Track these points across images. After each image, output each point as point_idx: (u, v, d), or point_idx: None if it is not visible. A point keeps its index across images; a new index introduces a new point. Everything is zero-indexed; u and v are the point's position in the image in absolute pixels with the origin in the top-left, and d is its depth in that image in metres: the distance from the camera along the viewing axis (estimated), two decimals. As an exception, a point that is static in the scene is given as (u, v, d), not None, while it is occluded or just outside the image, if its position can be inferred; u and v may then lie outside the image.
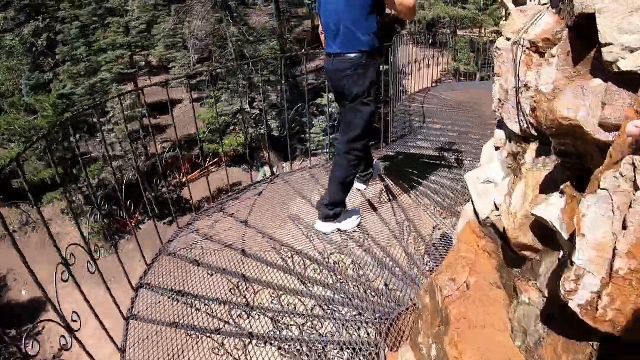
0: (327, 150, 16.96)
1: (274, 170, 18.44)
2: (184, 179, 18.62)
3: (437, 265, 3.38)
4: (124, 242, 18.28)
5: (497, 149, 2.40)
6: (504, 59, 1.98)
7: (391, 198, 4.63)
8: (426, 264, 3.64)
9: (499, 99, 2.12)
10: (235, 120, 17.93)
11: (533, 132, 1.88)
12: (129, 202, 4.36)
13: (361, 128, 3.29)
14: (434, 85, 10.52)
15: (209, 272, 3.83)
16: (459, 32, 21.39)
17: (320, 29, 3.43)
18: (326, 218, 3.67)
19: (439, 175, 5.08)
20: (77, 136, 18.75)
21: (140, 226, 18.42)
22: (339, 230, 3.72)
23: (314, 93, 18.35)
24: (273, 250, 4.00)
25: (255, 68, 16.20)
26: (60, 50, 22.04)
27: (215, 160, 18.61)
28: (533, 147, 1.92)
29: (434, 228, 4.18)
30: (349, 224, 3.76)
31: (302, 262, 3.79)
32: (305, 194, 4.87)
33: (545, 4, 1.93)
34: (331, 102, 16.79)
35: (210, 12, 20.15)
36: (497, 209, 2.19)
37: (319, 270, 3.69)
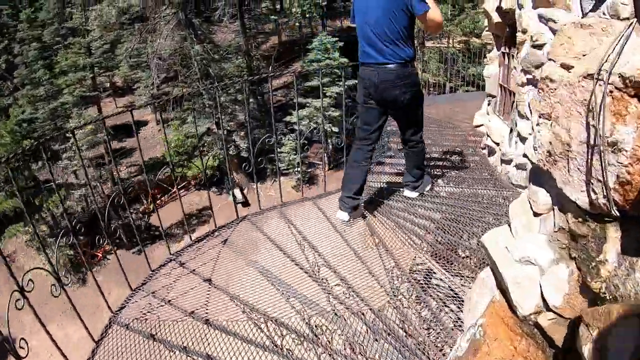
0: (298, 169, 16.24)
1: (245, 192, 17.69)
2: (152, 205, 17.69)
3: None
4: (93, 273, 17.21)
5: (536, 214, 1.72)
6: (563, 96, 1.31)
7: (376, 240, 3.94)
8: (427, 330, 2.95)
9: (549, 152, 1.45)
10: (203, 142, 17.08)
11: (616, 212, 1.20)
12: (102, 232, 4.09)
13: (418, 125, 3.92)
14: None
15: (168, 348, 3.08)
16: (427, 44, 21.06)
17: None
18: (414, 189, 4.36)
19: (428, 206, 4.42)
20: (39, 163, 17.60)
21: (109, 256, 17.36)
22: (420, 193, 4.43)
23: (282, 110, 17.70)
24: (242, 317, 3.28)
25: (221, 88, 15.43)
26: (19, 73, 20.89)
27: (184, 183, 17.69)
28: (614, 233, 1.25)
29: (427, 272, 3.51)
30: (426, 186, 4.48)
31: (278, 330, 3.07)
32: (277, 239, 4.17)
33: (624, 17, 1.27)
34: (300, 120, 16.37)
35: (175, 30, 19.36)
36: (548, 308, 1.51)
37: (298, 342, 2.99)
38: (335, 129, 15.32)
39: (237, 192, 16.18)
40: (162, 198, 17.90)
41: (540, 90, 1.45)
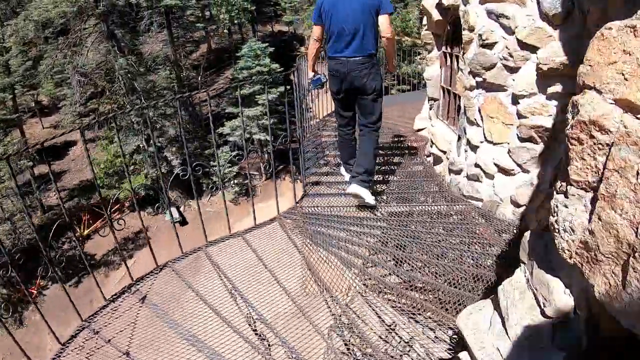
0: (236, 182, 15.34)
1: (181, 210, 16.58)
2: (85, 232, 16.25)
3: None
4: (29, 313, 15.53)
5: (546, 316, 1.06)
6: (627, 162, 0.63)
7: (319, 285, 3.26)
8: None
9: (587, 244, 0.79)
10: (134, 161, 15.83)
11: None
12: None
13: (379, 113, 4.09)
14: None
15: None
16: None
17: (315, 37, 3.99)
18: (362, 182, 4.06)
19: (375, 233, 3.80)
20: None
21: (45, 292, 15.74)
22: (368, 204, 4.15)
23: (216, 121, 16.70)
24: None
25: (148, 103, 14.31)
26: None
27: (117, 206, 16.35)
28: None
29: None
30: (372, 200, 4.20)
31: None
32: (203, 292, 3.41)
33: None
34: (233, 131, 15.55)
35: (98, 43, 17.93)
36: None
37: None
38: (270, 138, 14.62)
39: (173, 210, 15.07)
40: (96, 224, 16.47)
41: (574, 141, 0.78)
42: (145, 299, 3.59)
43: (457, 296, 2.92)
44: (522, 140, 3.58)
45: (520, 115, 3.51)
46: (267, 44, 16.58)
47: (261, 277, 3.61)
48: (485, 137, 3.91)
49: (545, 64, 3.12)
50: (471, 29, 3.68)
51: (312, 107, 8.81)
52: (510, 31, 3.37)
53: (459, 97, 4.66)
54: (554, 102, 3.29)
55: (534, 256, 1.28)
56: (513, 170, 3.74)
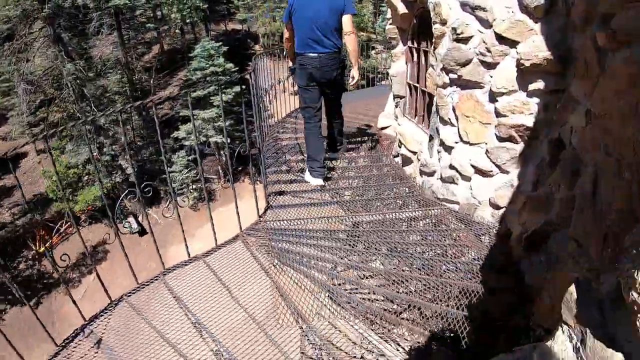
0: (194, 187, 14.66)
1: (140, 219, 15.78)
2: (41, 249, 15.28)
3: None
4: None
5: None
6: None
7: (292, 310, 2.90)
8: None
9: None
10: (87, 171, 14.91)
11: None
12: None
13: (341, 102, 4.73)
14: (298, 108, 8.65)
15: None
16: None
17: (287, 37, 4.32)
18: (337, 151, 5.12)
19: (347, 249, 3.43)
20: None
21: (4, 317, 14.67)
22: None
23: (170, 125, 15.98)
24: None
25: (99, 110, 13.53)
26: None
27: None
28: None
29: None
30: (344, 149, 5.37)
31: None
32: (164, 329, 3.00)
33: None
34: (189, 135, 14.79)
35: (46, 48, 16.85)
36: None
37: None
38: (228, 139, 13.92)
39: (131, 220, 14.29)
40: (53, 239, 15.50)
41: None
42: (101, 342, 3.12)
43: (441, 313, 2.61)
44: (501, 140, 3.28)
45: (498, 114, 3.21)
46: (220, 43, 15.90)
47: (227, 306, 3.21)
48: (460, 138, 3.60)
49: (528, 60, 2.82)
50: (443, 23, 3.35)
51: (269, 107, 8.41)
52: (487, 24, 3.05)
53: (428, 94, 4.34)
54: (536, 100, 3.01)
55: (586, 321, 0.93)
56: (491, 171, 3.45)
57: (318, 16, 4.00)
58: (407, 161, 4.78)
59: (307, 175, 4.61)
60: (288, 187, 4.65)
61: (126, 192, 3.62)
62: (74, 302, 3.40)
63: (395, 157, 5.10)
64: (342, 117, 4.95)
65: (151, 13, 23.46)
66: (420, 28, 4.43)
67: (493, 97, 3.21)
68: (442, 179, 3.96)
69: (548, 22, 2.78)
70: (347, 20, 4.01)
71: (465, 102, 3.41)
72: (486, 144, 3.41)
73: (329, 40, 4.08)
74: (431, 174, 4.18)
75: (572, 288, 1.23)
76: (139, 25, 21.66)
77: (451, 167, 3.77)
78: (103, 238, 14.74)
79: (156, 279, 3.52)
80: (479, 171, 3.53)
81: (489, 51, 3.07)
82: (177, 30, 24.40)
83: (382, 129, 6.03)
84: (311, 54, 4.13)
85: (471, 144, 3.52)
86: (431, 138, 4.08)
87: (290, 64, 4.60)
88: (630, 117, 1.61)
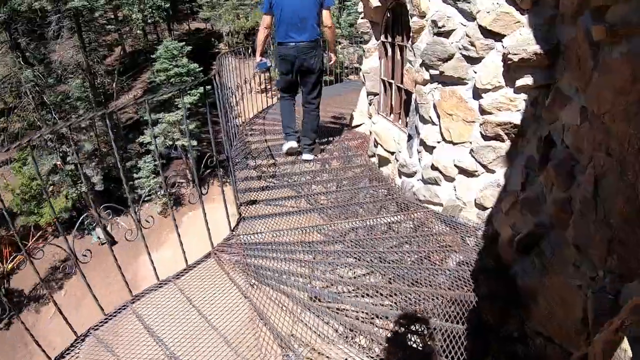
0: (163, 192, 14.10)
1: (109, 228, 15.12)
2: (9, 266, 14.48)
3: None
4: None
5: None
6: None
7: (274, 335, 2.64)
8: None
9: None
10: (52, 182, 14.19)
11: None
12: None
13: (320, 89, 4.74)
14: (266, 108, 8.28)
15: None
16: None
17: (265, 25, 4.47)
18: (311, 151, 4.93)
19: (341, 262, 3.17)
20: None
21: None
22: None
23: (135, 129, 15.36)
24: None
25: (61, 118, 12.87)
26: None
27: (40, 233, 14.67)
28: None
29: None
30: (317, 151, 5.09)
31: None
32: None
33: None
34: (155, 137, 14.18)
35: (2, 55, 16.00)
36: None
37: None
38: (194, 142, 13.30)
39: (99, 231, 13.64)
40: (19, 256, 14.69)
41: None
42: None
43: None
44: (486, 138, 3.06)
45: (483, 111, 2.99)
46: (184, 43, 15.30)
47: (203, 334, 2.89)
48: (442, 137, 3.36)
49: (516, 54, 2.59)
50: (422, 15, 3.10)
51: (236, 108, 8.07)
52: (470, 17, 2.81)
53: (405, 91, 4.09)
54: (523, 96, 2.80)
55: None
56: (476, 171, 3.23)
57: (298, 7, 4.22)
58: (384, 162, 4.53)
59: (284, 144, 5.01)
60: (260, 195, 4.33)
61: (84, 216, 3.25)
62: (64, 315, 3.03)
63: (371, 157, 4.85)
64: (318, 111, 4.89)
65: (112, 14, 22.60)
66: (394, 21, 4.17)
67: (478, 93, 2.98)
68: (424, 180, 3.72)
69: (536, 13, 2.56)
70: (326, 14, 4.32)
71: (447, 100, 3.17)
72: (470, 143, 3.20)
73: (308, 31, 4.29)
74: (411, 175, 3.94)
75: (626, 344, 0.98)
76: (99, 27, 20.81)
77: (433, 167, 3.53)
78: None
79: (124, 308, 3.18)
80: (463, 171, 3.31)
81: (472, 45, 2.83)
82: (139, 31, 23.59)
83: (356, 127, 5.77)
84: (291, 43, 4.32)
85: (454, 144, 3.29)
86: (410, 137, 3.83)
87: (258, 59, 4.68)
88: (633, 115, 1.45)
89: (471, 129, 3.15)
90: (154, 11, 19.86)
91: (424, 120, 3.49)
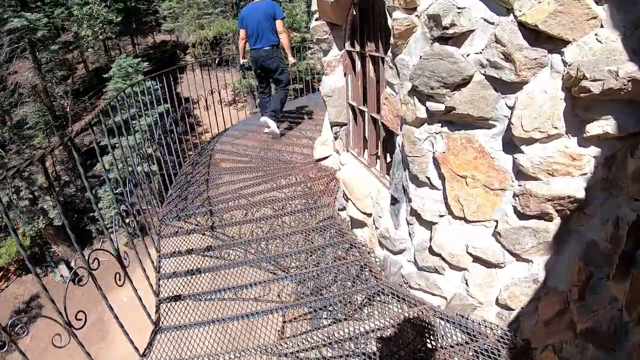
0: (128, 221, 12.37)
1: (72, 264, 13.41)
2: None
3: None
4: None
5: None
6: None
7: None
8: None
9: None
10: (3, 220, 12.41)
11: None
12: None
13: (286, 81, 5.48)
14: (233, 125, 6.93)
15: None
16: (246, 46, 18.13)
17: (242, 37, 5.33)
18: (271, 116, 5.40)
19: None
20: None
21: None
22: (274, 132, 5.43)
23: (93, 156, 13.62)
24: None
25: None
26: None
27: (1, 273, 12.89)
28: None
29: None
30: (277, 130, 5.45)
31: None
32: None
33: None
34: (112, 166, 12.51)
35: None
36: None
37: None
38: (155, 167, 11.53)
39: (63, 268, 11.91)
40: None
41: None
42: None
43: None
44: (524, 217, 1.77)
45: (523, 175, 1.66)
46: (139, 60, 13.61)
47: None
48: (449, 209, 1.97)
49: (597, 80, 1.18)
50: (410, 8, 1.69)
51: (201, 120, 6.74)
52: (504, 8, 1.39)
53: (384, 125, 2.64)
54: (595, 150, 1.45)
55: None
56: (502, 263, 1.93)
57: (259, 21, 5.01)
58: (357, 223, 3.11)
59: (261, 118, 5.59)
60: (197, 262, 2.92)
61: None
62: None
63: (340, 210, 3.40)
64: (284, 92, 5.58)
65: (56, 32, 20.20)
66: (364, 21, 2.73)
67: (513, 144, 1.62)
68: (418, 266, 2.32)
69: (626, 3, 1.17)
70: (278, 23, 5.04)
71: (459, 153, 1.77)
72: (496, 222, 1.85)
73: (265, 40, 5.05)
74: (398, 253, 2.54)
75: None
76: (53, 46, 18.79)
77: (433, 252, 2.18)
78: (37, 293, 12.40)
79: None
80: (481, 261, 2.00)
81: (508, 59, 1.44)
82: (90, 49, 21.59)
83: (319, 160, 4.29)
84: (257, 48, 5.14)
85: (468, 221, 1.89)
86: (395, 201, 2.41)
87: (242, 61, 5.63)
88: None
89: (498, 200, 1.78)
90: (104, 26, 17.92)
91: (416, 181, 2.08)
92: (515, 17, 1.41)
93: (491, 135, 1.69)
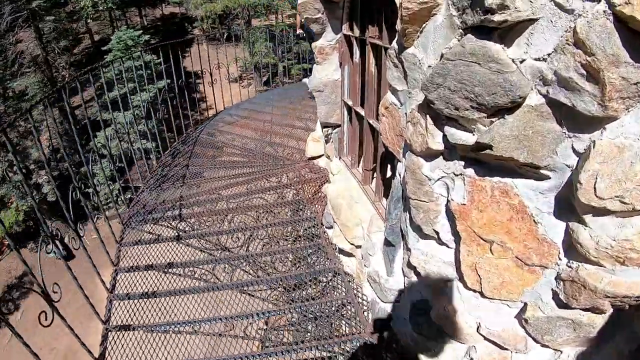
0: (123, 199, 11.83)
1: (66, 240, 12.85)
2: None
3: None
4: None
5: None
6: None
7: None
8: None
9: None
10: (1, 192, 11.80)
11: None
12: None
13: None
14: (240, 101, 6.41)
15: None
16: (254, 22, 17.20)
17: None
18: None
19: None
20: None
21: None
22: None
23: (96, 127, 12.97)
24: None
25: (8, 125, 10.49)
26: None
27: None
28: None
29: None
30: None
31: None
32: None
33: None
34: (110, 141, 11.86)
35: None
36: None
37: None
38: (152, 144, 10.91)
39: (57, 243, 11.40)
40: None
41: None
42: None
43: None
44: (566, 306, 1.21)
45: (576, 254, 1.11)
46: (140, 32, 12.81)
47: None
48: (461, 276, 1.34)
49: None
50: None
51: (205, 98, 6.38)
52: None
53: (387, 151, 2.00)
54: None
55: None
56: (523, 350, 1.41)
57: None
58: (344, 251, 2.48)
59: None
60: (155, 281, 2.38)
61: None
62: None
63: (328, 228, 2.78)
64: None
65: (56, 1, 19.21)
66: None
67: (571, 209, 0.99)
68: (414, 330, 1.72)
69: None
70: None
71: (486, 207, 1.16)
72: (525, 304, 1.29)
73: None
74: (389, 303, 1.93)
75: None
76: (52, 17, 17.90)
77: (431, 321, 1.52)
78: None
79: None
80: (495, 344, 1.46)
81: (592, 78, 0.81)
82: (93, 20, 20.68)
83: (312, 158, 3.64)
84: None
85: (485, 296, 1.29)
86: (390, 244, 1.78)
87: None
88: None
89: (532, 279, 1.20)
90: None
91: (419, 232, 1.46)
92: (612, 4, 0.76)
93: (540, 190, 1.06)
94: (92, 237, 12.26)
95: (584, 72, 0.82)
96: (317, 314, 2.32)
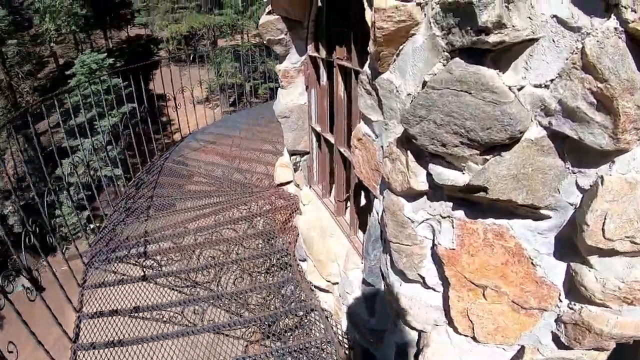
0: (92, 227, 11.34)
1: (34, 274, 12.19)
2: None
3: None
4: None
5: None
6: None
7: None
8: None
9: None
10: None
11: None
12: None
13: None
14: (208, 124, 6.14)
15: None
16: (220, 42, 17.00)
17: None
18: None
19: None
20: None
21: None
22: None
23: (62, 154, 12.53)
24: None
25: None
26: None
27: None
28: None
29: None
30: None
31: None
32: None
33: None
34: (75, 169, 11.25)
35: None
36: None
37: None
38: (119, 172, 10.37)
39: (24, 280, 10.77)
40: None
41: None
42: None
43: None
44: (567, 348, 1.07)
45: (579, 296, 0.97)
46: (105, 55, 12.45)
47: None
48: (450, 322, 1.16)
49: None
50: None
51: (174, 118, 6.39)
52: (598, 5, 0.61)
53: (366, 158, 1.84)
54: None
55: None
56: None
57: None
58: (321, 288, 2.30)
59: None
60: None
61: None
62: None
63: (302, 260, 2.59)
64: None
65: (19, 25, 18.57)
66: (330, 17, 1.91)
67: (574, 250, 0.83)
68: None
69: None
70: None
71: (478, 252, 1.00)
72: (522, 347, 1.13)
73: None
74: (372, 344, 1.75)
75: None
76: (24, 39, 17.37)
77: None
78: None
79: None
80: None
81: (603, 107, 0.68)
82: (57, 43, 20.14)
83: (281, 185, 3.45)
84: None
85: (478, 341, 1.11)
86: (369, 284, 1.61)
87: None
88: None
89: (530, 323, 1.04)
90: (69, 19, 16.38)
91: (402, 276, 1.28)
92: (624, 20, 0.64)
93: (539, 231, 0.92)
94: (62, 268, 11.66)
95: (594, 100, 0.69)
96: (296, 355, 2.13)
